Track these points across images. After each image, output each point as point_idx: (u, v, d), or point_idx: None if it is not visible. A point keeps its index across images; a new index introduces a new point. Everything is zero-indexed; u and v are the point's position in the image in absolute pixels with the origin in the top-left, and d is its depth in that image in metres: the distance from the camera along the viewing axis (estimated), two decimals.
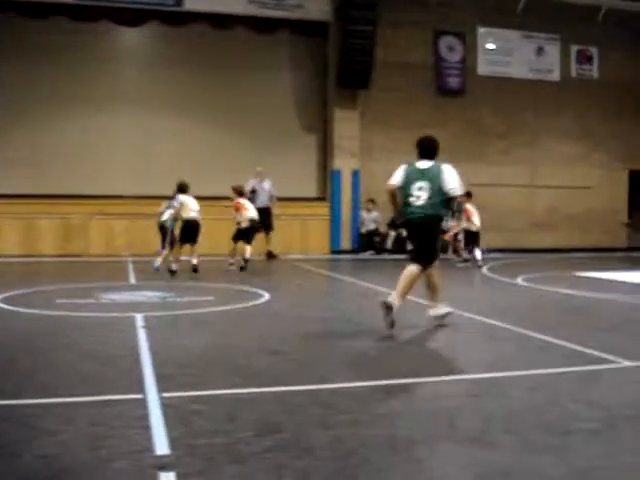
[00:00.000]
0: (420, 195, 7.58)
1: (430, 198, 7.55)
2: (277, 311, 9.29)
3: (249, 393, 4.99)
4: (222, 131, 19.60)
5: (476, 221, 16.37)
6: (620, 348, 6.75)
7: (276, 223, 17.96)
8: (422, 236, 7.81)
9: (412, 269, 7.65)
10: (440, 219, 7.90)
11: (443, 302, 8.10)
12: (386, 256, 19.40)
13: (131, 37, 19.63)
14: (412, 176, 7.70)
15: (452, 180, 7.62)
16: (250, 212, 14.72)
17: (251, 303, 9.62)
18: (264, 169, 17.74)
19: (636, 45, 23.05)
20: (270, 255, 17.54)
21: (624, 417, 4.52)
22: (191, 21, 19.27)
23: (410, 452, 3.86)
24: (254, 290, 10.95)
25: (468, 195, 16.54)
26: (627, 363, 6.07)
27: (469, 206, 16.48)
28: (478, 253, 16.32)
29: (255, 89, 19.90)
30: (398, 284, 7.57)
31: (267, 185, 17.43)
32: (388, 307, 7.36)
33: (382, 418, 4.45)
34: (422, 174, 7.66)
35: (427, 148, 7.91)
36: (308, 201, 20.03)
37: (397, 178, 7.86)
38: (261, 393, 5.01)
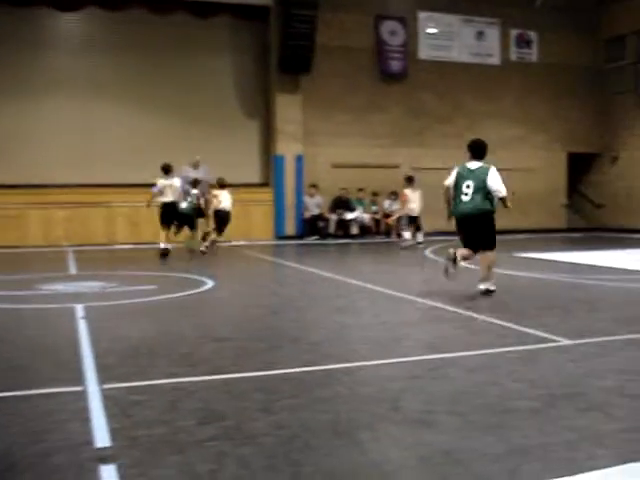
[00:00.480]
0: (468, 192, 8.78)
1: (476, 195, 8.74)
2: (220, 298, 9.24)
3: (192, 382, 4.94)
4: (163, 117, 19.32)
5: (413, 206, 16.91)
6: (559, 327, 6.89)
7: None
8: (479, 228, 8.97)
9: (489, 255, 9.06)
10: (491, 212, 9.00)
11: (492, 280, 9.22)
12: (330, 241, 19.44)
13: (68, 22, 19.14)
14: (463, 175, 8.92)
15: (496, 182, 8.83)
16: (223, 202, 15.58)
17: (194, 291, 9.54)
18: (203, 155, 17.53)
19: (573, 29, 23.48)
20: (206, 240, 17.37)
21: (563, 395, 4.60)
22: (129, 6, 18.91)
23: (353, 435, 3.86)
24: (197, 278, 10.85)
25: (409, 180, 16.96)
26: (566, 342, 6.19)
27: (407, 191, 17.07)
28: (419, 236, 16.97)
29: (196, 74, 19.67)
30: (481, 268, 9.15)
31: (202, 173, 17.26)
32: (488, 291, 9.01)
33: (325, 402, 4.45)
34: (472, 173, 8.85)
35: (477, 149, 9.06)
36: (251, 187, 19.91)
37: (451, 179, 9.13)
38: (204, 381, 4.97)
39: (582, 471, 3.34)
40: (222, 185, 15.73)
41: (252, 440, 3.77)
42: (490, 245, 9.04)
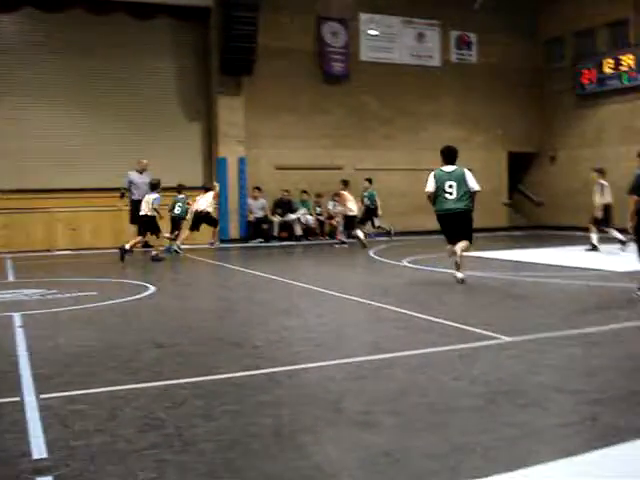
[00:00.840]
0: (452, 192, 9.85)
1: (461, 194, 9.87)
2: (163, 303, 9.12)
3: (132, 389, 4.86)
4: (104, 120, 18.98)
5: (352, 206, 17.61)
6: (500, 324, 6.99)
7: (162, 214, 17.69)
8: (463, 223, 10.07)
9: (463, 245, 10.08)
10: (472, 210, 10.14)
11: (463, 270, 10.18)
12: (274, 243, 19.41)
13: (4, 24, 18.67)
14: (443, 177, 9.99)
15: (473, 181, 10.04)
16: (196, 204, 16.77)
17: (136, 296, 9.41)
18: (148, 160, 17.36)
19: (512, 30, 23.89)
20: (146, 245, 17.20)
21: (503, 392, 4.66)
22: (68, 7, 18.57)
23: (294, 439, 3.85)
24: (139, 283, 10.71)
25: (345, 183, 17.49)
26: (507, 339, 6.28)
27: (345, 193, 17.81)
28: (360, 233, 17.35)
29: (137, 77, 19.42)
30: (458, 262, 10.08)
31: (148, 178, 17.09)
32: (462, 280, 10.00)
33: (266, 406, 4.42)
34: (450, 175, 9.97)
35: (450, 155, 10.17)
36: (194, 190, 19.71)
37: (430, 185, 10.13)
38: (144, 389, 4.89)
39: (522, 467, 3.38)
40: (207, 188, 17.20)
41: (192, 447, 3.73)
42: (469, 238, 10.23)
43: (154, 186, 15.50)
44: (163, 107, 19.80)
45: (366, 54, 22.17)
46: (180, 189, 17.10)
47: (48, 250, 17.18)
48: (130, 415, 4.29)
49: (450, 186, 9.97)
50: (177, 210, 16.79)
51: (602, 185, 14.83)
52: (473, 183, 10.09)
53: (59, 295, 9.67)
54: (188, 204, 16.93)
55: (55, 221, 17.87)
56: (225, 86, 19.72)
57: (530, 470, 3.36)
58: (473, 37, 23.77)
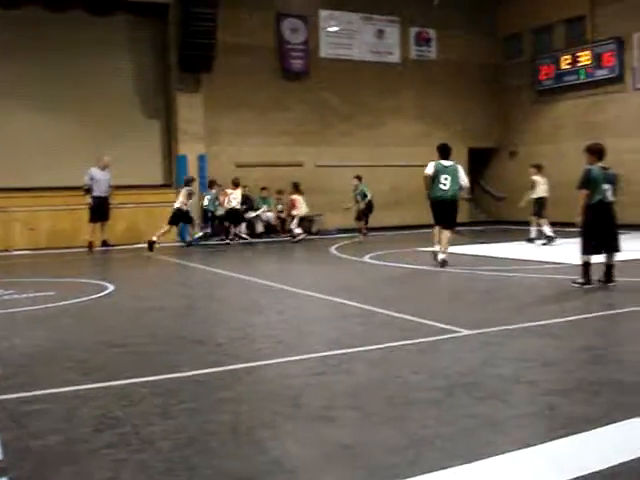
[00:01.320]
0: (446, 183, 11.49)
1: (453, 186, 11.58)
2: (121, 303, 9.00)
3: (89, 389, 4.80)
4: (61, 118, 18.68)
5: (303, 209, 18.40)
6: (460, 318, 7.03)
7: (122, 212, 17.58)
8: (451, 210, 11.81)
9: (448, 233, 11.77)
10: (458, 199, 12.22)
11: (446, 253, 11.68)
12: (236, 240, 19.27)
13: None
14: (440, 170, 11.61)
15: (464, 176, 12.09)
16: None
17: (94, 296, 9.27)
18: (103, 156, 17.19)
19: (471, 27, 24.07)
20: (105, 244, 17.07)
21: (461, 384, 4.68)
22: (25, 4, 18.24)
23: (253, 435, 3.83)
24: (98, 282, 10.57)
25: (296, 187, 17.59)
26: (466, 332, 6.32)
27: (297, 197, 18.31)
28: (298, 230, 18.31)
29: (95, 74, 19.11)
30: (442, 242, 11.79)
31: (109, 175, 16.92)
32: (444, 262, 11.53)
33: (225, 403, 4.39)
34: (446, 169, 11.63)
35: (445, 151, 11.84)
36: (154, 188, 19.55)
37: (430, 169, 11.79)
38: (101, 388, 4.82)
39: (481, 458, 3.40)
40: (236, 184, 17.94)
41: (149, 445, 3.69)
42: (454, 223, 12.09)
43: (188, 182, 17.15)
44: (122, 104, 19.56)
45: (326, 50, 22.17)
46: (212, 184, 18.39)
47: (6, 250, 16.89)
48: (86, 415, 4.23)
49: (445, 179, 11.73)
50: (205, 203, 18.40)
51: (534, 181, 15.81)
52: (465, 178, 12.08)
53: (16, 295, 9.50)
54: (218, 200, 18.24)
55: (13, 221, 17.55)
56: (184, 83, 19.55)
57: (489, 461, 3.38)
58: (432, 33, 23.90)
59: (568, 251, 13.89)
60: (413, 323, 6.87)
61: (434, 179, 11.76)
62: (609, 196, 8.98)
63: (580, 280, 9.01)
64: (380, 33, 23.12)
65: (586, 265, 9.00)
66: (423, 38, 23.88)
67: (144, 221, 18.37)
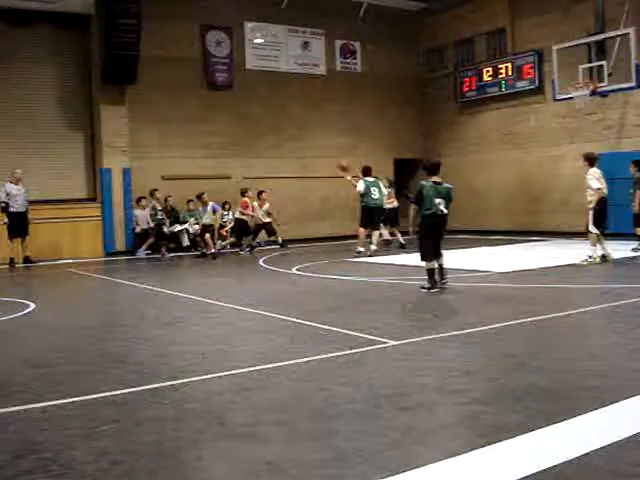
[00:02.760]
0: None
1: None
2: (43, 321, 8.74)
3: (6, 412, 4.64)
4: None
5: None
6: (386, 329, 7.08)
7: (45, 226, 17.17)
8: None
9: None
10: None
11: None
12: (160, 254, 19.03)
13: None
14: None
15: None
16: None
17: (13, 315, 8.97)
18: (27, 170, 16.76)
19: (396, 39, 24.39)
20: (27, 260, 16.64)
21: (387, 396, 4.70)
22: None
23: (177, 455, 3.76)
24: (18, 300, 10.24)
25: (243, 194, 17.74)
26: (392, 342, 6.37)
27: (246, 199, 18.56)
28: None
29: (15, 86, 18.60)
30: (374, 237, 15.71)
31: (24, 189, 16.50)
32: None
33: (148, 423, 4.30)
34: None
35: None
36: (78, 202, 19.10)
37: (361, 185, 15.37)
38: (20, 411, 4.67)
39: (407, 469, 3.42)
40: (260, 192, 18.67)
41: (70, 470, 3.59)
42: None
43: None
44: (44, 117, 19.08)
45: (252, 62, 22.13)
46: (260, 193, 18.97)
47: None
48: (5, 439, 4.09)
49: (374, 190, 15.73)
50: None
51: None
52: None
53: None
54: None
55: None
56: (108, 95, 19.23)
57: (415, 472, 3.39)
58: (357, 46, 24.14)
59: (500, 260, 14.22)
60: (340, 335, 6.87)
61: (366, 192, 15.60)
62: (442, 209, 9.80)
63: (427, 285, 9.81)
64: (306, 45, 23.22)
65: (430, 271, 9.85)
66: (348, 50, 24.09)
67: (68, 236, 17.96)
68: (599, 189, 12.34)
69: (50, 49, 19.28)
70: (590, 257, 12.51)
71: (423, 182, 10.00)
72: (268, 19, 22.26)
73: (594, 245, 12.50)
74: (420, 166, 25.41)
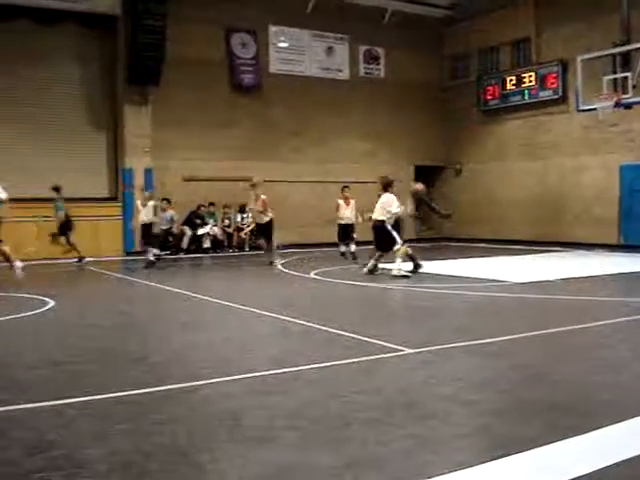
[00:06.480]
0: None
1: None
2: (62, 319, 8.82)
3: (22, 409, 4.67)
4: (7, 129, 18.30)
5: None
6: (402, 336, 7.07)
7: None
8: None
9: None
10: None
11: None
12: (182, 255, 19.14)
13: None
14: None
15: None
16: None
17: (34, 312, 9.06)
18: (50, 168, 16.89)
19: (419, 46, 24.40)
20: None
21: (401, 404, 4.70)
22: None
23: (191, 457, 3.77)
24: (38, 297, 10.33)
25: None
26: (408, 350, 6.35)
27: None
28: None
29: (41, 85, 18.79)
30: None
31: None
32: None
33: (163, 425, 4.32)
34: None
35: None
36: (99, 201, 19.26)
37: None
38: (35, 408, 4.70)
39: (418, 479, 3.40)
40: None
41: (83, 469, 3.61)
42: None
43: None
44: (69, 116, 19.26)
45: (276, 66, 22.21)
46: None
47: None
48: (18, 437, 4.12)
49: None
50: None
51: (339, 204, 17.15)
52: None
53: None
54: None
55: None
56: (132, 95, 19.37)
57: None
58: (381, 52, 24.15)
59: (510, 268, 14.15)
60: (356, 341, 6.87)
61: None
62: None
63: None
64: (330, 50, 23.27)
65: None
66: (372, 56, 24.11)
67: (89, 235, 18.07)
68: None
69: (75, 49, 19.47)
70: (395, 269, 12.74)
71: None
72: (293, 23, 22.33)
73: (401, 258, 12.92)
74: (446, 172, 25.53)
